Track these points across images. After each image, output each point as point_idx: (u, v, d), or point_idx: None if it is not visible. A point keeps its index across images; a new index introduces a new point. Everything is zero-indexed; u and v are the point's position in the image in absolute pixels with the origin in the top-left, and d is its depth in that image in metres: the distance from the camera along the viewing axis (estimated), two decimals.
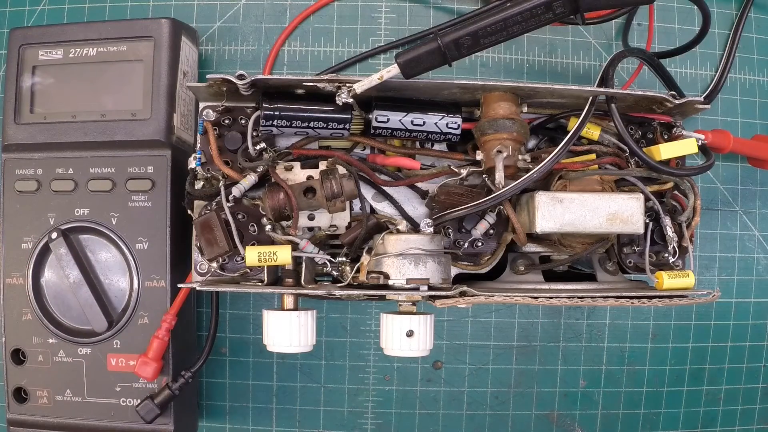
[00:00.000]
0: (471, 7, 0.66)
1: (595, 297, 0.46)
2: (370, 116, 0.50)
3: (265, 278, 0.50)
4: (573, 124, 0.50)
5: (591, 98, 0.48)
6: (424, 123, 0.50)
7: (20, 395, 0.56)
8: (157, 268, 0.56)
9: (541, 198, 0.47)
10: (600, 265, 0.54)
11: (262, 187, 0.50)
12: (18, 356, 0.57)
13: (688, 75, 0.67)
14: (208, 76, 0.47)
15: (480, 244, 0.53)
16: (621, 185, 0.51)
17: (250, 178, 0.49)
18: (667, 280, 0.49)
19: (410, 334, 0.46)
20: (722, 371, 0.66)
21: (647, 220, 0.50)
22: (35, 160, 0.57)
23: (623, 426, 0.66)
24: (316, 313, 0.50)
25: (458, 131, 0.51)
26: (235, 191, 0.49)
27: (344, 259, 0.49)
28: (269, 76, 0.47)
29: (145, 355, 0.54)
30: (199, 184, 0.52)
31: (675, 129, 0.53)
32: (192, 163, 0.51)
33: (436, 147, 0.53)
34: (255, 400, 0.65)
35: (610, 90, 0.49)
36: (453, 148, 0.53)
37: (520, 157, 0.49)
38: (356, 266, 0.48)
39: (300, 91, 0.50)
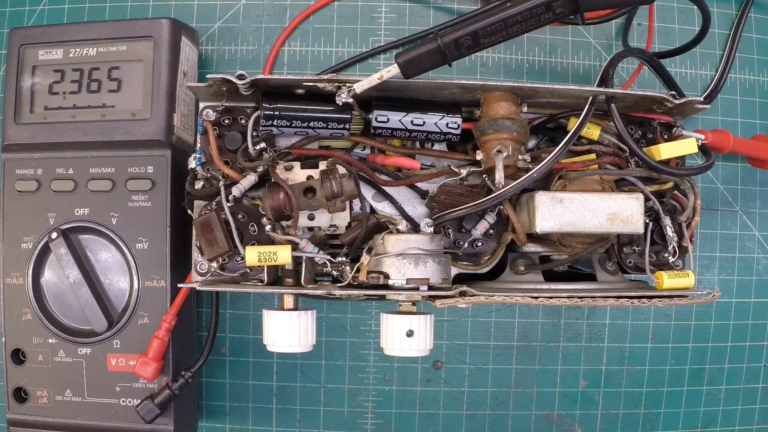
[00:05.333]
0: (471, 7, 0.66)
1: (595, 297, 0.46)
2: (370, 116, 0.50)
3: (265, 278, 0.50)
4: (573, 124, 0.50)
5: (591, 98, 0.48)
6: (424, 123, 0.50)
7: (20, 395, 0.56)
8: (157, 268, 0.56)
9: (541, 198, 0.47)
10: (600, 265, 0.54)
11: (262, 187, 0.50)
12: (18, 356, 0.57)
13: (688, 75, 0.67)
14: (208, 76, 0.47)
15: (480, 244, 0.53)
16: (621, 185, 0.51)
17: (250, 178, 0.49)
18: (667, 280, 0.49)
19: (410, 334, 0.46)
20: (722, 371, 0.66)
21: (647, 220, 0.50)
22: (35, 160, 0.57)
23: (623, 426, 0.66)
24: (316, 313, 0.50)
25: (458, 131, 0.51)
26: (235, 191, 0.49)
27: (344, 259, 0.49)
28: (269, 76, 0.48)
29: (145, 355, 0.54)
30: (199, 184, 0.52)
31: (675, 129, 0.53)
32: (192, 163, 0.51)
33: (436, 147, 0.53)
34: (255, 400, 0.65)
35: (610, 90, 0.49)
36: (453, 148, 0.53)
37: (520, 157, 0.49)
38: (356, 266, 0.48)
39: (300, 91, 0.50)
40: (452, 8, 0.66)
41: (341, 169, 0.50)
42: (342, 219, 0.51)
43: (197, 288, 0.48)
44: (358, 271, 0.48)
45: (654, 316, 0.66)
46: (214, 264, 0.50)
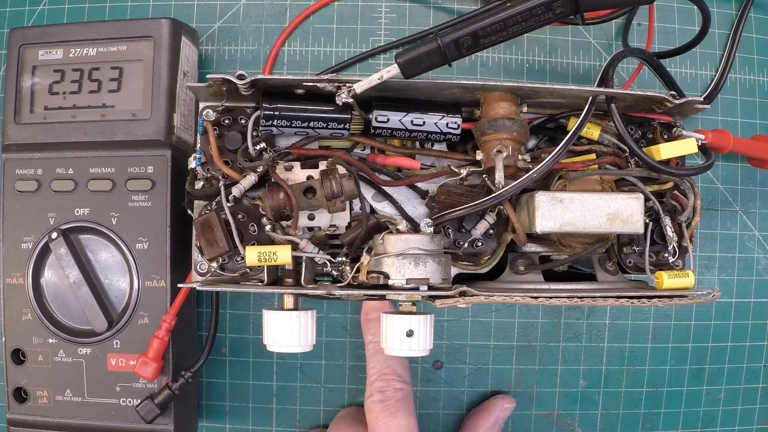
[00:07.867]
0: (471, 7, 0.66)
1: (595, 297, 0.46)
2: (370, 116, 0.50)
3: (265, 278, 0.50)
4: (573, 124, 0.50)
5: (591, 98, 0.48)
6: (424, 123, 0.50)
7: (20, 395, 0.56)
8: (157, 268, 0.56)
9: (541, 198, 0.47)
10: (600, 265, 0.54)
11: (262, 187, 0.50)
12: (18, 356, 0.57)
13: (688, 75, 0.67)
14: (208, 76, 0.47)
15: (480, 244, 0.53)
16: (621, 185, 0.51)
17: (250, 178, 0.49)
18: (667, 280, 0.49)
19: (410, 334, 0.46)
20: (722, 371, 0.66)
21: (647, 220, 0.50)
22: (35, 160, 0.57)
23: (623, 426, 0.66)
24: (316, 313, 0.50)
25: (458, 131, 0.51)
26: (235, 191, 0.49)
27: (344, 259, 0.49)
28: (269, 76, 0.47)
29: (145, 355, 0.54)
30: (199, 184, 0.52)
31: (675, 129, 0.53)
32: (192, 163, 0.51)
33: (436, 147, 0.53)
34: (255, 400, 0.65)
35: (610, 90, 0.49)
36: (453, 148, 0.53)
37: (520, 157, 0.49)
38: (356, 266, 0.48)
39: (300, 91, 0.50)
40: (452, 8, 0.66)
41: (341, 169, 0.50)
42: (342, 219, 0.51)
43: (197, 288, 0.48)
44: (358, 271, 0.48)
45: (654, 316, 0.66)
46: (214, 264, 0.50)
